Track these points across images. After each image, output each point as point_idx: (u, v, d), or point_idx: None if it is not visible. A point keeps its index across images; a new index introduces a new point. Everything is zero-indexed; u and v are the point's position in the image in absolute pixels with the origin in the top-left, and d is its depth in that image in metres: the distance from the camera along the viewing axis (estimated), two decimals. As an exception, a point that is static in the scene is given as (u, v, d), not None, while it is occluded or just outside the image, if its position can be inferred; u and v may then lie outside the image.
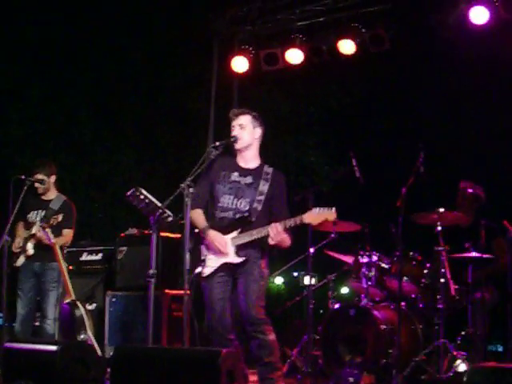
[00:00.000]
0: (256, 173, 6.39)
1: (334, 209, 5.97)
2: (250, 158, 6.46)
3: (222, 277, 6.30)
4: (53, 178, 8.37)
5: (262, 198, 6.28)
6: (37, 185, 8.23)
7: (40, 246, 8.12)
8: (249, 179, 6.37)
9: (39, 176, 8.23)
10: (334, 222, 8.36)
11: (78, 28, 14.88)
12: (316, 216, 5.99)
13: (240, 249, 6.22)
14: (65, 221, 8.16)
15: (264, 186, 6.31)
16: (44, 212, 8.26)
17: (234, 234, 6.23)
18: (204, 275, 6.29)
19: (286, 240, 6.16)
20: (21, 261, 8.20)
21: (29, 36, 14.76)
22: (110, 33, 15.16)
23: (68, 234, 8.30)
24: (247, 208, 6.27)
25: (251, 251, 6.25)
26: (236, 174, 6.41)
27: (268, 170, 6.42)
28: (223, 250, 6.21)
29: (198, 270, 6.30)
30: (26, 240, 8.18)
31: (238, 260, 6.21)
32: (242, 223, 6.23)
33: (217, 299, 6.29)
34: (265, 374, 6.20)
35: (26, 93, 15.36)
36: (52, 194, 8.40)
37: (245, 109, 6.50)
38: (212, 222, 6.37)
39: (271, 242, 6.07)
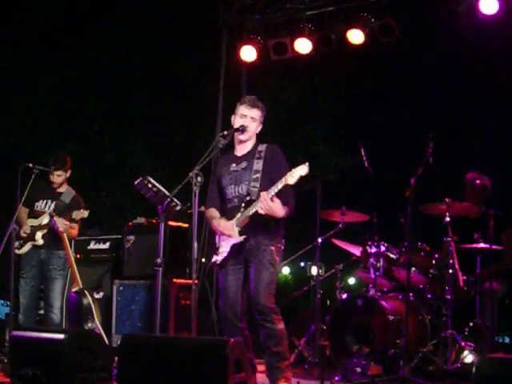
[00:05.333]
0: (249, 155, 6.41)
1: (306, 163, 5.90)
2: (245, 148, 6.49)
3: (235, 264, 6.31)
4: (69, 173, 8.38)
5: (258, 175, 6.26)
6: (56, 179, 8.26)
7: (48, 235, 8.14)
8: (244, 164, 6.39)
9: (59, 172, 8.25)
10: (342, 213, 8.40)
11: (88, 16, 14.87)
12: (292, 174, 5.91)
13: (243, 229, 6.19)
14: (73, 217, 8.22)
15: (258, 164, 6.31)
16: (54, 203, 8.27)
17: (238, 216, 6.23)
18: (218, 262, 6.32)
19: (277, 209, 6.04)
20: (26, 248, 8.19)
21: (37, 24, 14.75)
22: (119, 22, 15.16)
23: (75, 227, 8.29)
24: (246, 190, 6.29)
25: (261, 237, 6.23)
26: (233, 164, 6.44)
27: (261, 147, 6.43)
28: (229, 232, 6.22)
29: (214, 258, 6.34)
30: (35, 229, 8.18)
31: (241, 238, 6.18)
32: (243, 205, 6.22)
33: (229, 287, 6.30)
34: (273, 362, 6.20)
35: (34, 82, 15.36)
36: (63, 188, 8.42)
37: (260, 103, 6.50)
38: (224, 216, 6.37)
39: (260, 211, 6.01)
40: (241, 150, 6.49)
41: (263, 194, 5.99)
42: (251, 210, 6.12)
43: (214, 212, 6.46)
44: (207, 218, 6.48)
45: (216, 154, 6.83)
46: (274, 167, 6.28)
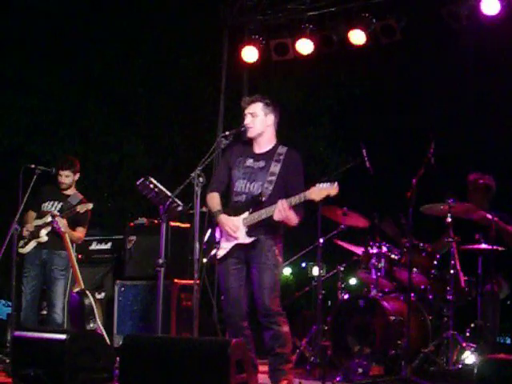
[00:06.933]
0: (268, 155, 6.35)
1: (336, 183, 5.92)
2: (264, 144, 6.41)
3: (237, 264, 6.29)
4: (77, 176, 8.43)
5: (273, 178, 6.23)
6: (64, 179, 8.31)
7: (52, 234, 8.15)
8: (261, 163, 6.33)
9: (67, 172, 8.31)
10: (344, 213, 8.39)
11: (88, 17, 14.87)
12: (319, 191, 5.92)
13: (251, 229, 6.18)
14: (80, 218, 8.24)
15: (275, 167, 6.26)
16: (61, 204, 8.30)
17: (245, 214, 6.20)
18: (218, 257, 6.30)
19: (292, 218, 6.09)
20: (30, 247, 8.21)
21: (38, 25, 14.73)
22: (120, 22, 15.15)
23: (81, 231, 8.33)
24: (259, 190, 6.24)
25: (264, 237, 6.21)
26: (251, 160, 6.38)
27: (281, 150, 6.36)
28: (234, 234, 6.19)
29: (213, 252, 6.30)
30: (40, 227, 8.19)
31: (249, 240, 6.17)
32: (253, 204, 6.20)
33: (232, 287, 6.28)
34: (276, 364, 6.20)
35: (35, 82, 15.35)
36: (71, 191, 8.45)
37: (256, 96, 6.45)
38: (228, 206, 6.37)
39: (275, 217, 6.02)
40: (259, 148, 6.43)
41: (282, 202, 5.98)
42: (263, 214, 6.11)
43: (217, 199, 6.40)
44: (209, 206, 6.38)
45: (219, 152, 6.82)
46: (289, 173, 6.27)
